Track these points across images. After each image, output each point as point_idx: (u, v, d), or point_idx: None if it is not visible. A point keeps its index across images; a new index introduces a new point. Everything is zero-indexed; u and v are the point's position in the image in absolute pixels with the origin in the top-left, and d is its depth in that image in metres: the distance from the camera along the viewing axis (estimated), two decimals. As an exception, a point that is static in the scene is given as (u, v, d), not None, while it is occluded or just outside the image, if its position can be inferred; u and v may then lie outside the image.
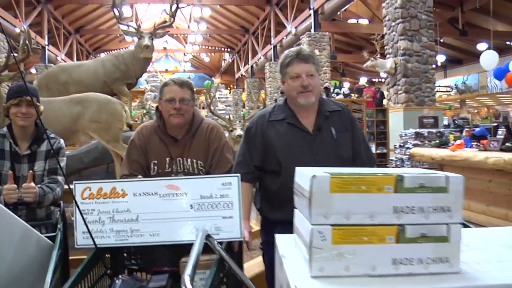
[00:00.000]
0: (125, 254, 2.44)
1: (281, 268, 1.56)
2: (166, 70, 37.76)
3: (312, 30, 18.88)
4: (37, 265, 2.18)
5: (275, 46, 24.50)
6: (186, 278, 1.31)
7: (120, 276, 2.22)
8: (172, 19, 5.90)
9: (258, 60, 27.66)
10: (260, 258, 3.43)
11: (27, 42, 4.71)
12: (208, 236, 1.90)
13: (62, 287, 1.82)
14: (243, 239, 2.26)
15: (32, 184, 2.56)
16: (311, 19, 18.96)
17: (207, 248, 1.93)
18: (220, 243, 2.07)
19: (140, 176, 2.46)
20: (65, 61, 24.81)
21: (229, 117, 8.20)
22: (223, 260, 1.92)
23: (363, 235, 1.41)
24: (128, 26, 5.85)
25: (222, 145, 2.77)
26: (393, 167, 11.44)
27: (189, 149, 2.73)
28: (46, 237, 2.34)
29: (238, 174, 2.27)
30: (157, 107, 2.83)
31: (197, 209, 2.22)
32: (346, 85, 23.07)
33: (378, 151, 12.68)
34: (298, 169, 1.62)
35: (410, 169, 1.73)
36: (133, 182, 2.29)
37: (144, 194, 2.22)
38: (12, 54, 4.71)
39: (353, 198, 1.40)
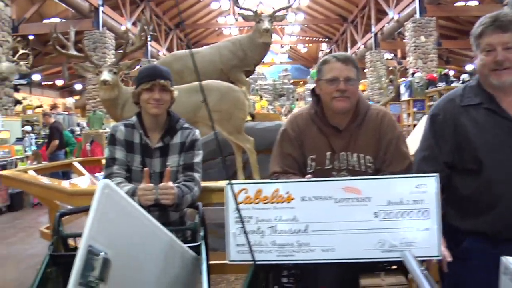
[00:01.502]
0: (284, 271, 1.95)
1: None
2: (263, 62, 37.54)
3: (417, 15, 17.72)
4: (181, 282, 1.76)
5: (375, 34, 23.50)
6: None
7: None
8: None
9: (357, 50, 26.66)
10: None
11: (145, 27, 4.46)
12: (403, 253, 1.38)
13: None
14: (442, 258, 1.71)
15: (171, 183, 2.15)
16: (415, 3, 17.86)
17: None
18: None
19: (309, 176, 1.95)
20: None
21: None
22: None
23: None
24: (246, 9, 5.41)
25: (397, 136, 2.20)
26: None
27: (355, 142, 2.19)
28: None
29: (436, 174, 1.72)
30: (312, 90, 2.32)
31: (383, 218, 1.72)
32: (451, 73, 21.54)
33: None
34: None
35: None
36: (301, 183, 1.80)
37: (316, 198, 1.73)
38: (128, 42, 4.45)
39: None
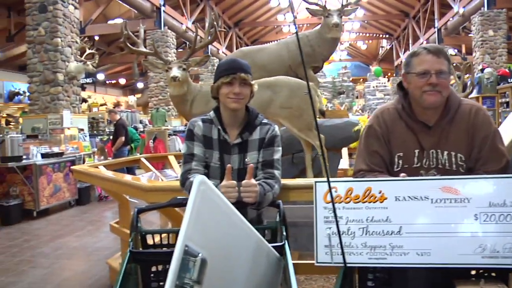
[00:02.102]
0: (369, 275, 1.85)
1: None
2: (324, 59, 37.22)
3: (485, 7, 16.95)
4: (267, 282, 1.70)
5: (439, 30, 22.70)
6: None
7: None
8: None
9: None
10: None
11: (214, 23, 4.45)
12: None
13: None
14: None
15: (253, 181, 2.09)
16: (484, -5, 17.06)
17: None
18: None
19: (403, 175, 1.84)
20: (226, 54, 25.62)
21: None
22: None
23: None
24: (314, 4, 5.30)
25: (492, 133, 2.05)
26: None
27: (446, 139, 2.06)
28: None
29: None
30: (399, 84, 2.21)
31: (484, 221, 1.60)
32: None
33: None
34: None
35: None
36: (395, 182, 1.71)
37: (410, 198, 1.63)
38: (196, 39, 4.44)
39: None
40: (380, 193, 1.65)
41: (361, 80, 34.41)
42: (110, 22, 20.15)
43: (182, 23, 20.20)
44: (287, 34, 27.43)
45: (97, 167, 4.55)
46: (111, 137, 11.16)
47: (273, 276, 1.75)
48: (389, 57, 35.59)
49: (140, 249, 2.10)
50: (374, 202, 1.66)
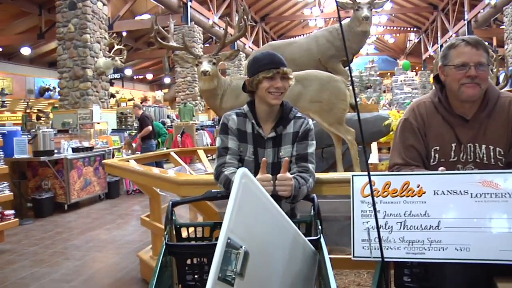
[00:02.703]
0: (405, 270, 1.84)
1: None
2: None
3: (519, -2, 16.67)
4: (303, 276, 1.70)
5: (469, 22, 22.30)
6: None
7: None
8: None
9: (448, 39, 25.41)
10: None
11: (243, 18, 4.45)
12: None
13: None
14: None
15: (289, 174, 2.09)
16: (518, -17, 16.73)
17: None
18: None
19: (442, 168, 1.83)
20: (252, 49, 25.66)
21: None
22: None
23: None
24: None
25: None
26: None
27: (484, 132, 2.03)
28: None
29: None
30: (435, 77, 2.18)
31: (526, 216, 1.55)
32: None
33: None
34: None
35: None
36: (434, 176, 1.68)
37: (449, 192, 1.61)
38: (226, 33, 4.45)
39: None
40: (418, 187, 1.64)
41: (388, 74, 34.00)
42: (137, 18, 20.36)
43: (208, 18, 20.30)
44: (314, 28, 27.25)
45: (127, 161, 4.62)
46: (137, 132, 11.26)
47: (308, 270, 1.75)
48: (417, 51, 35.11)
49: (175, 242, 2.12)
50: (412, 196, 1.64)
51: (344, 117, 4.21)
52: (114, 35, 13.13)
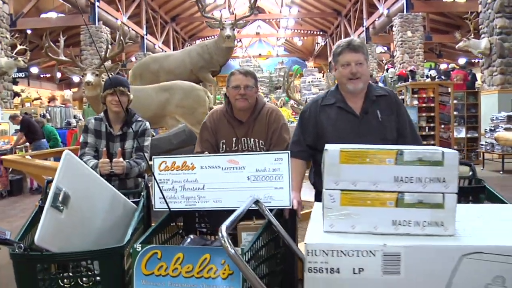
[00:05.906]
0: (196, 219, 2.87)
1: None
2: (260, 54, 38.01)
3: (405, 11, 18.50)
4: (124, 224, 2.66)
5: (367, 28, 24.19)
6: (223, 227, 1.69)
7: (190, 235, 2.66)
8: (252, 10, 6.33)
9: (350, 43, 27.20)
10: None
11: (121, 38, 5.36)
12: (257, 202, 2.28)
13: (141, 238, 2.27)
14: (291, 207, 2.58)
15: (121, 159, 3.13)
16: (403, 0, 18.53)
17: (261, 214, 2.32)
18: (271, 210, 2.42)
19: (206, 153, 2.91)
20: (162, 49, 26.16)
21: (306, 100, 8.51)
22: (271, 224, 2.27)
23: (367, 199, 1.75)
24: (210, 18, 6.35)
25: (280, 126, 3.13)
26: (483, 152, 11.20)
27: (252, 130, 3.13)
28: (133, 202, 2.83)
29: (289, 151, 2.60)
30: (225, 94, 3.25)
31: (253, 180, 2.58)
32: (443, 66, 22.19)
33: (468, 135, 12.22)
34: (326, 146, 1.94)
35: (415, 146, 1.99)
36: (201, 157, 2.71)
37: (209, 167, 2.63)
38: (108, 49, 5.35)
39: (358, 168, 1.73)
40: (192, 164, 2.64)
41: (298, 75, 35.50)
42: (43, 15, 20.19)
43: (117, 18, 20.50)
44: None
45: (24, 157, 5.40)
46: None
47: (130, 219, 2.71)
48: (324, 53, 36.82)
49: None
50: (188, 170, 2.65)
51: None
52: (17, 34, 13.30)
